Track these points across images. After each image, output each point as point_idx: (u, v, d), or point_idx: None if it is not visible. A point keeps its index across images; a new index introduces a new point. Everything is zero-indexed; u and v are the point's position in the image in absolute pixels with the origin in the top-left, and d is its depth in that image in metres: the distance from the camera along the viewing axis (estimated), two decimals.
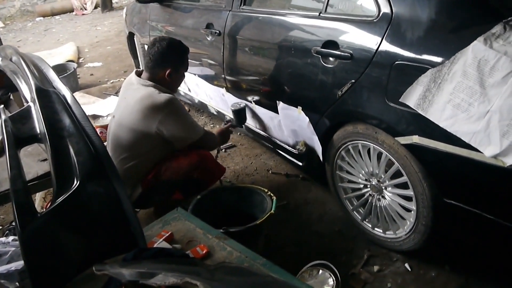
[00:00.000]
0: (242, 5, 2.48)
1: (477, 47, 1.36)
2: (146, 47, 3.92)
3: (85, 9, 11.13)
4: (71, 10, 11.26)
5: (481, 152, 1.38)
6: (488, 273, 1.83)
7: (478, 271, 1.84)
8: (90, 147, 1.38)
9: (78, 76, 5.08)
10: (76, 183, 1.30)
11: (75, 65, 4.95)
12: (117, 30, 8.28)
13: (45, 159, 1.86)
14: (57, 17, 11.03)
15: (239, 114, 2.57)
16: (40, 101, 1.48)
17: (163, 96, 2.08)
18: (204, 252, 1.47)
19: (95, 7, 11.22)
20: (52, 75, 1.73)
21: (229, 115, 3.04)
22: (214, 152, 2.80)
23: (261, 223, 1.88)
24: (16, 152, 1.37)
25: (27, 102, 1.56)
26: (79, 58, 6.41)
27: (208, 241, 1.54)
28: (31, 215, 1.25)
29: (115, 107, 2.34)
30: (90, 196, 1.33)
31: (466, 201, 1.56)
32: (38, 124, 1.46)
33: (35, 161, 1.88)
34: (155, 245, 1.50)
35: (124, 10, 4.54)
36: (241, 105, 2.56)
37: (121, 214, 1.36)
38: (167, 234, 1.57)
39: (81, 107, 1.49)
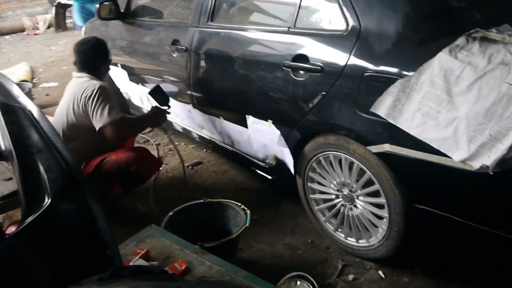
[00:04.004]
0: (209, 21, 2.49)
1: (442, 58, 1.44)
2: None
3: (38, 29, 10.76)
4: (22, 30, 10.84)
5: (450, 158, 1.45)
6: (456, 274, 1.90)
7: (447, 272, 1.91)
8: (62, 163, 1.32)
9: (33, 97, 4.87)
10: (47, 201, 1.24)
11: (30, 85, 4.75)
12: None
13: (10, 178, 1.77)
14: (6, 36, 10.59)
15: (158, 93, 2.61)
16: (5, 117, 1.41)
17: (94, 83, 2.34)
18: (183, 267, 1.43)
19: (48, 27, 10.87)
20: (16, 90, 1.66)
21: (196, 131, 3.02)
22: (180, 170, 2.77)
23: (237, 237, 1.86)
24: None
25: None
26: (33, 78, 6.16)
27: (186, 257, 1.50)
28: None
29: None
30: (62, 214, 1.27)
31: (436, 206, 1.62)
32: (3, 140, 1.39)
33: None
34: (131, 263, 1.44)
35: (83, 29, 4.44)
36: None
37: (96, 232, 1.30)
38: (143, 252, 1.52)
39: (49, 123, 1.42)
